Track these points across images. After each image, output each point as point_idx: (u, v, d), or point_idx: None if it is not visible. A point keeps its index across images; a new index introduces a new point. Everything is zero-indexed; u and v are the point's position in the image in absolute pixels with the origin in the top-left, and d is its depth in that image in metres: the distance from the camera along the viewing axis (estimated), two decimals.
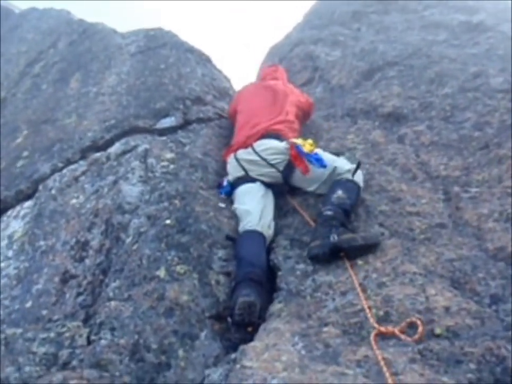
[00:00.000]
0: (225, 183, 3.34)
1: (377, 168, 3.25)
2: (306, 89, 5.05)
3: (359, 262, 2.49)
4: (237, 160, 3.32)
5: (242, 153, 3.33)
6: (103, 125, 3.98)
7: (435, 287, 2.18)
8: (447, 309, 2.01)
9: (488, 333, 1.87)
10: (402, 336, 1.92)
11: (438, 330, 1.92)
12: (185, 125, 3.99)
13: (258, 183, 3.22)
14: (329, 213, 2.72)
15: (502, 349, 1.76)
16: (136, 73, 4.71)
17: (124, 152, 3.55)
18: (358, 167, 3.03)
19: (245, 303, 2.36)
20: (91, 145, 3.82)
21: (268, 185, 3.25)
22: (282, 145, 3.25)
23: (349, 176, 2.98)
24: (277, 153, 3.22)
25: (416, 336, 1.89)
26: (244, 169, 3.27)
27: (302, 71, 5.48)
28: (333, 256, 2.54)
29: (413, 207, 2.82)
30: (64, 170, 3.64)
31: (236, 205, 3.17)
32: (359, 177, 3.01)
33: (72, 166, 3.65)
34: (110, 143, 3.77)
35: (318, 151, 3.17)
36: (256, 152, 3.26)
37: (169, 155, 3.47)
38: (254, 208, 3.02)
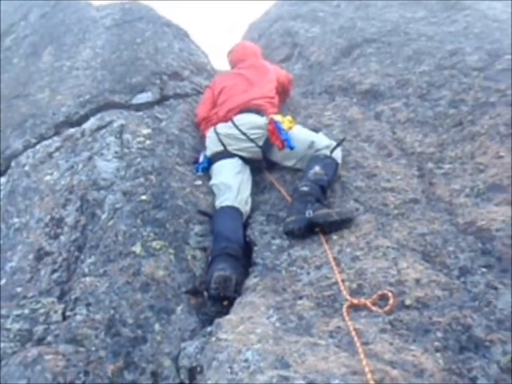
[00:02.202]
0: (201, 158, 3.31)
1: (354, 144, 3.27)
2: (285, 65, 5.02)
3: (334, 236, 2.53)
4: (217, 134, 3.29)
5: (222, 127, 3.31)
6: (78, 100, 3.90)
7: (407, 260, 2.22)
8: (417, 281, 2.06)
9: (455, 304, 1.93)
10: (374, 308, 1.97)
11: (408, 302, 1.97)
12: (161, 100, 3.94)
13: (236, 159, 3.22)
14: (305, 188, 2.74)
15: (468, 318, 1.82)
16: (111, 47, 4.60)
17: (99, 128, 3.49)
18: (339, 144, 3.04)
19: (220, 277, 2.38)
20: (65, 121, 3.75)
21: (245, 161, 3.25)
22: (262, 120, 3.25)
23: (327, 152, 2.99)
24: (257, 127, 3.22)
25: (387, 308, 1.94)
26: (222, 143, 3.25)
27: (281, 47, 5.43)
28: (308, 231, 2.57)
29: (387, 183, 2.86)
30: (38, 146, 3.57)
31: (213, 181, 3.16)
32: (337, 154, 3.03)
33: (46, 142, 3.58)
34: (85, 118, 3.71)
35: (297, 127, 3.17)
36: (236, 126, 3.25)
37: (145, 131, 3.43)
38: (231, 184, 3.02)
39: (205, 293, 2.42)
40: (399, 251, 2.30)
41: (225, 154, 3.23)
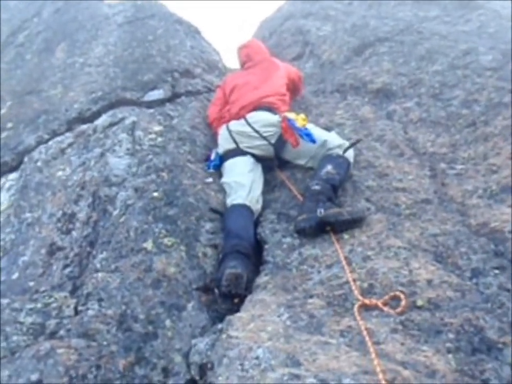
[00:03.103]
0: (213, 156, 3.31)
1: (365, 144, 3.26)
2: (296, 64, 5.00)
3: (345, 236, 2.53)
4: (229, 131, 3.30)
5: (235, 125, 3.32)
6: (90, 96, 3.92)
7: (418, 261, 2.22)
8: (429, 282, 2.06)
9: (468, 305, 1.92)
10: (385, 308, 1.96)
11: (419, 302, 1.96)
12: (173, 97, 3.95)
13: (248, 157, 3.22)
14: (317, 187, 2.74)
15: (480, 320, 1.82)
16: (123, 44, 4.62)
17: (111, 125, 3.51)
18: (354, 144, 3.05)
19: (231, 275, 2.38)
20: (77, 117, 3.77)
21: (257, 159, 3.25)
22: (275, 118, 3.25)
23: (339, 151, 2.99)
24: (269, 125, 3.23)
25: (399, 309, 1.93)
26: (235, 141, 3.26)
27: (292, 46, 5.42)
28: (320, 230, 2.57)
29: (399, 182, 2.85)
30: (50, 142, 3.59)
31: (224, 179, 3.16)
32: (350, 154, 3.03)
33: (58, 138, 3.60)
34: (97, 115, 3.73)
35: (310, 126, 3.17)
36: (248, 124, 3.26)
37: (157, 128, 3.44)
38: (243, 182, 3.02)
39: (216, 290, 2.43)
40: (410, 251, 2.30)
41: (237, 152, 3.23)
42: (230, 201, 2.96)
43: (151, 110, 3.71)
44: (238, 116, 3.37)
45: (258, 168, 3.23)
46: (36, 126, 3.82)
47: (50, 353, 2.03)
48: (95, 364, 2.02)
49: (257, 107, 3.37)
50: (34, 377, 1.96)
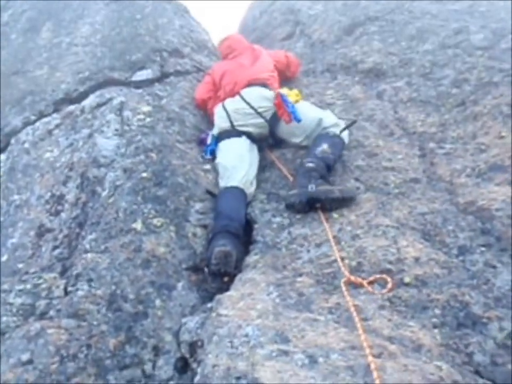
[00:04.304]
0: (210, 140, 3.26)
1: (355, 123, 3.25)
2: (287, 43, 4.96)
3: (334, 215, 2.54)
4: (225, 109, 3.29)
5: (230, 103, 3.32)
6: (77, 76, 3.86)
7: (406, 239, 2.24)
8: (416, 259, 2.08)
9: (454, 281, 1.95)
10: (370, 289, 1.98)
11: (407, 279, 1.99)
12: (162, 77, 3.90)
13: (244, 138, 3.19)
14: (311, 164, 2.74)
15: (466, 296, 1.85)
16: (110, 23, 4.53)
17: (99, 105, 3.46)
18: (350, 125, 3.04)
19: (221, 253, 2.40)
20: (64, 98, 3.71)
21: (253, 140, 3.23)
22: (270, 93, 3.26)
23: (336, 130, 2.99)
24: (264, 99, 3.23)
25: (385, 291, 1.95)
26: (230, 120, 3.23)
27: (282, 25, 5.35)
28: (309, 206, 2.58)
29: (388, 162, 2.86)
30: (37, 124, 3.54)
31: (218, 159, 3.14)
32: (344, 134, 3.03)
33: (45, 119, 3.55)
34: (84, 95, 3.67)
35: (305, 103, 3.19)
36: (244, 99, 3.26)
37: (145, 108, 3.40)
38: (237, 164, 3.00)
39: (206, 269, 2.44)
40: (399, 230, 2.32)
41: (232, 133, 3.21)
42: (224, 183, 2.95)
43: (140, 90, 3.66)
44: (232, 93, 3.37)
45: (254, 150, 3.21)
46: (22, 107, 3.76)
47: (41, 333, 2.04)
48: (85, 343, 2.03)
49: (252, 83, 3.38)
50: (25, 357, 1.97)
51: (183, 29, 4.64)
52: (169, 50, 4.17)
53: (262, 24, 5.82)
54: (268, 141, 3.30)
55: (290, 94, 3.06)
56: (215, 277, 2.42)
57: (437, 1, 4.60)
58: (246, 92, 3.31)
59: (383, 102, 3.49)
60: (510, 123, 2.77)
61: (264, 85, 3.38)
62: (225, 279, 2.39)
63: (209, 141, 3.27)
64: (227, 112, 3.26)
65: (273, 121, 3.18)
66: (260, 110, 3.20)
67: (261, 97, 3.24)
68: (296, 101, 3.04)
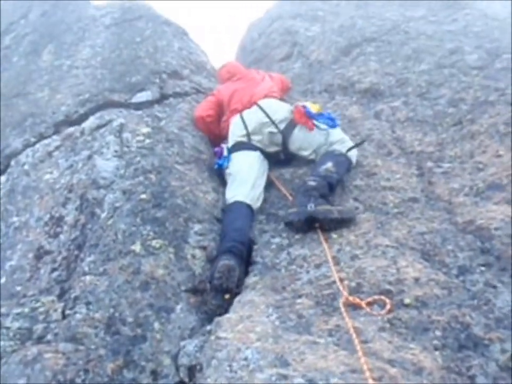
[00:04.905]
0: (225, 152, 3.28)
1: (358, 140, 3.28)
2: (285, 64, 5.02)
3: (333, 235, 2.53)
4: (242, 118, 3.37)
5: (248, 113, 3.40)
6: (77, 98, 3.89)
7: (406, 259, 2.23)
8: (416, 280, 2.07)
9: (454, 302, 1.93)
10: (368, 309, 1.96)
11: (407, 300, 1.97)
12: (161, 99, 3.93)
13: (257, 152, 3.24)
14: (312, 183, 2.75)
15: (466, 317, 1.83)
16: (111, 46, 4.59)
17: (99, 127, 3.48)
18: (359, 145, 3.08)
19: (224, 266, 2.40)
20: (65, 120, 3.73)
21: (265, 155, 3.28)
22: (287, 105, 3.40)
23: (342, 148, 3.01)
24: (281, 110, 3.33)
25: (383, 312, 1.93)
26: (246, 128, 3.30)
27: (280, 46, 5.43)
28: (308, 225, 2.59)
29: (387, 181, 2.87)
30: (37, 145, 3.56)
31: (229, 170, 3.17)
32: (352, 153, 3.06)
33: (45, 141, 3.57)
34: (84, 117, 3.69)
35: None
36: (261, 109, 3.35)
37: (145, 129, 3.42)
38: (246, 177, 3.04)
39: (208, 285, 2.43)
40: (398, 250, 2.31)
41: (247, 145, 3.27)
42: (231, 196, 2.98)
43: (139, 112, 3.69)
44: (250, 104, 3.45)
45: (265, 165, 3.25)
46: (22, 129, 3.79)
47: (38, 358, 2.02)
48: (83, 368, 2.00)
49: (268, 96, 3.51)
50: (21, 382, 1.95)
51: (182, 51, 4.70)
52: (169, 72, 4.22)
53: (261, 45, 5.91)
54: (279, 157, 3.35)
55: (313, 107, 3.20)
56: (217, 294, 2.40)
57: (432, 22, 4.69)
58: (263, 102, 3.41)
59: (380, 122, 3.52)
60: (507, 142, 2.79)
61: (280, 99, 3.55)
62: (226, 296, 2.38)
63: (225, 152, 3.30)
64: (244, 121, 3.34)
65: (287, 132, 3.25)
66: (275, 119, 3.28)
67: (278, 108, 3.37)
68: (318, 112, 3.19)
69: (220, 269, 2.40)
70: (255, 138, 3.29)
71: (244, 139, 3.30)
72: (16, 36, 5.37)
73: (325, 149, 3.09)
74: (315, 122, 3.12)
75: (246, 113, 3.41)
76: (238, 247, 2.59)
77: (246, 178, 3.02)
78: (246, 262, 2.62)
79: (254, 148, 3.26)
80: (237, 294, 2.37)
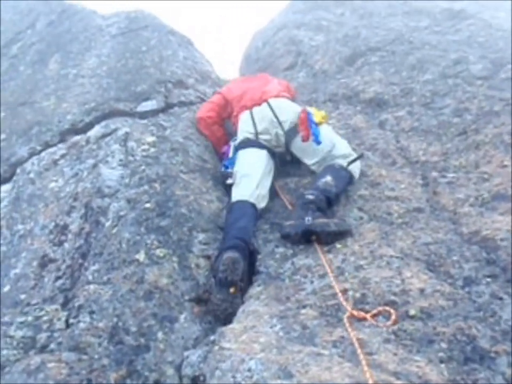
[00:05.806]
0: (231, 152, 3.28)
1: (358, 153, 3.27)
2: (289, 73, 5.04)
3: (338, 245, 2.53)
4: (251, 114, 3.36)
5: (257, 110, 3.38)
6: (83, 107, 3.92)
7: (411, 270, 2.22)
8: (421, 291, 2.06)
9: (460, 314, 1.92)
10: (373, 321, 1.95)
11: (412, 312, 1.96)
12: (166, 108, 3.95)
13: (264, 151, 3.23)
14: (310, 197, 2.74)
15: (472, 329, 1.82)
16: (116, 55, 4.63)
17: (104, 136, 3.50)
18: (357, 159, 3.04)
19: (229, 259, 2.40)
20: (70, 128, 3.76)
21: (272, 154, 3.27)
22: (296, 106, 3.36)
23: (343, 163, 2.98)
24: (289, 111, 3.30)
25: (389, 323, 1.92)
26: (255, 127, 3.29)
27: (285, 56, 5.45)
28: (305, 238, 2.58)
29: (391, 191, 2.86)
30: (43, 154, 3.58)
31: (235, 167, 3.16)
32: (355, 167, 3.02)
33: (51, 149, 3.59)
34: (90, 126, 3.71)
35: (326, 126, 3.23)
36: (270, 107, 3.33)
37: (150, 138, 3.43)
38: (252, 175, 3.02)
39: (213, 279, 2.44)
40: (403, 260, 2.30)
41: (254, 143, 3.26)
42: (236, 194, 2.96)
43: (144, 121, 3.71)
44: (260, 101, 3.44)
45: (271, 163, 3.23)
46: (28, 137, 3.81)
47: (41, 368, 2.01)
48: (86, 377, 2.00)
49: (279, 96, 3.49)
50: None
51: (187, 61, 4.73)
52: (174, 81, 4.25)
53: (265, 55, 5.93)
54: (286, 158, 3.34)
55: (317, 114, 3.14)
56: (221, 288, 2.39)
57: (436, 32, 4.70)
58: (274, 101, 3.39)
59: (385, 132, 3.52)
60: None
61: (291, 100, 3.54)
62: (232, 289, 2.37)
63: (231, 153, 3.30)
64: (253, 118, 3.33)
65: (290, 134, 3.23)
66: (281, 119, 3.26)
67: (287, 108, 3.34)
68: (320, 123, 3.10)
69: (224, 262, 2.40)
70: (263, 138, 3.28)
71: (252, 136, 3.30)
72: (23, 45, 5.42)
73: (328, 161, 3.05)
74: (313, 134, 3.04)
75: (255, 110, 3.40)
76: (241, 245, 2.57)
77: (251, 177, 3.01)
78: (249, 266, 2.58)
79: (262, 146, 3.25)
80: (241, 288, 2.38)
